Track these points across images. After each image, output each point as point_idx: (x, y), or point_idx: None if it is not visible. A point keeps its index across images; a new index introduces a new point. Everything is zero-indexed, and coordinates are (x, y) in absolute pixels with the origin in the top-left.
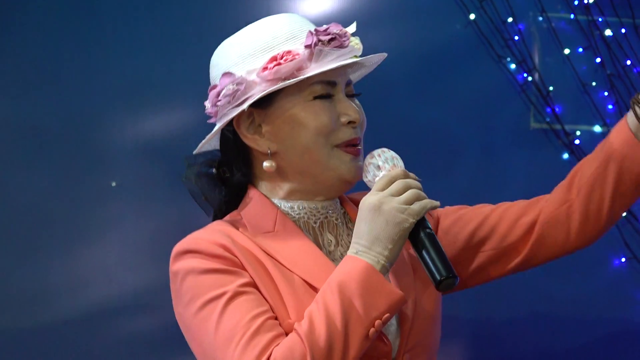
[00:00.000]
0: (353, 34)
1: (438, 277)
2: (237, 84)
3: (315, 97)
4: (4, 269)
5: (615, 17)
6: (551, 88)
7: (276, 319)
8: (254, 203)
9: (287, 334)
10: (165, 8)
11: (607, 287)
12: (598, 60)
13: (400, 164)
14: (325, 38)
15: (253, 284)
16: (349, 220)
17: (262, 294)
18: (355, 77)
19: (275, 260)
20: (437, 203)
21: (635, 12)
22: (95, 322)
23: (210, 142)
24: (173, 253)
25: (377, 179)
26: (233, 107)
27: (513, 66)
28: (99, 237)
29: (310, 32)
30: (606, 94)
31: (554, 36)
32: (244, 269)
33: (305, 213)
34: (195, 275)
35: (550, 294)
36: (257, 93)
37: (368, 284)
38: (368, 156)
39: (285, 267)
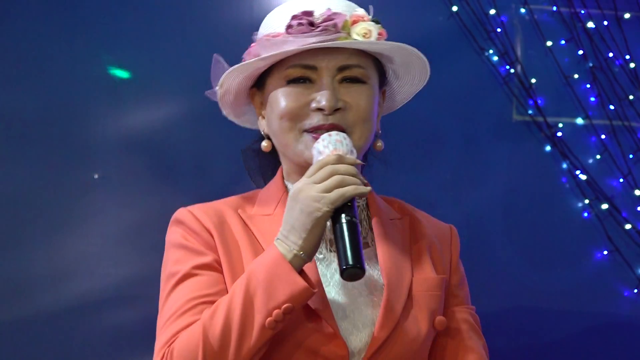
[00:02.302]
0: (373, 21)
1: (343, 265)
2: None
3: (289, 81)
4: None
5: (598, 9)
6: (533, 80)
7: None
8: (271, 183)
9: None
10: (149, 2)
11: (589, 280)
12: (580, 52)
13: (343, 147)
14: (302, 21)
15: (212, 266)
16: (365, 213)
17: (224, 276)
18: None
19: (259, 245)
20: (365, 189)
21: (618, 5)
22: (78, 314)
23: None
24: (172, 217)
25: None
26: (230, 69)
27: (495, 58)
28: (81, 229)
29: (292, 15)
30: (588, 86)
31: (537, 28)
32: (214, 249)
33: None
34: (170, 248)
35: (534, 287)
36: (243, 68)
37: (273, 273)
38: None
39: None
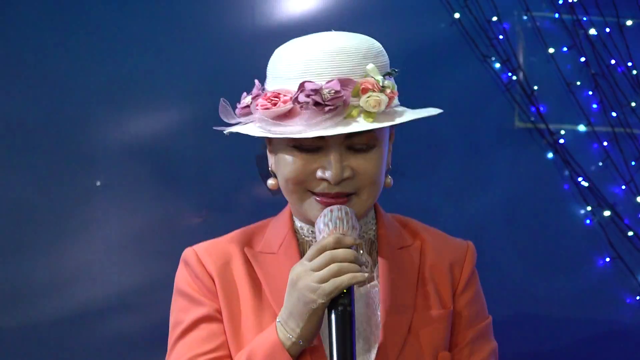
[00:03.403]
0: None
1: None
2: (252, 98)
3: (295, 146)
4: None
5: (600, 16)
6: (535, 87)
7: (223, 357)
8: (281, 216)
9: None
10: (151, 8)
11: (591, 286)
12: (582, 59)
13: (344, 226)
14: (309, 100)
15: (213, 317)
16: (373, 245)
17: (224, 325)
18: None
19: (261, 286)
20: (360, 278)
21: (620, 11)
22: (80, 321)
23: None
24: (181, 256)
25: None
26: (239, 119)
27: (497, 65)
28: (83, 237)
29: (301, 84)
30: (590, 93)
31: (539, 35)
32: (215, 296)
33: (313, 237)
34: (176, 293)
35: (536, 294)
36: (244, 125)
37: (271, 359)
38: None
39: (265, 295)
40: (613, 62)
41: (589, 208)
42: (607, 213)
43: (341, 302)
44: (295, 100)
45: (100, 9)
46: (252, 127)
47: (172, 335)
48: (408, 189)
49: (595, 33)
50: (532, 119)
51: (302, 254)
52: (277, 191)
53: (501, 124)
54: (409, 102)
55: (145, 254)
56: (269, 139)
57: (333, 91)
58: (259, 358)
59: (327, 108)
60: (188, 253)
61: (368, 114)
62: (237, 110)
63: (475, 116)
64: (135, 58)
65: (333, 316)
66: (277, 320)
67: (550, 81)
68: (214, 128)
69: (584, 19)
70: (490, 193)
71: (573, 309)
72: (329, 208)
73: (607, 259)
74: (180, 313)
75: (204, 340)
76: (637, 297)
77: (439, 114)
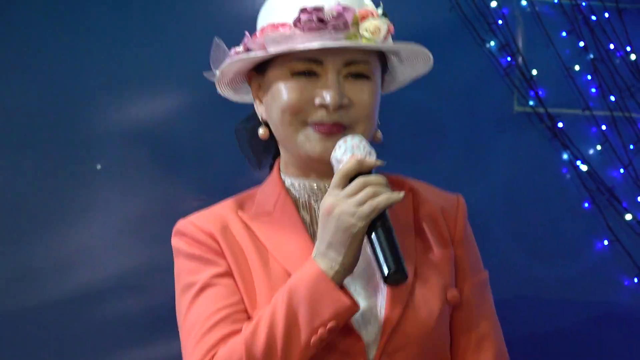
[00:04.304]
0: (381, 15)
1: (385, 271)
2: (247, 38)
3: (294, 74)
4: None
5: (599, 1)
6: (534, 72)
7: (244, 311)
8: (269, 179)
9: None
10: None
11: (590, 269)
12: (581, 44)
13: (361, 151)
14: (312, 17)
15: (227, 274)
16: None
17: (236, 283)
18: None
19: (263, 246)
20: (397, 197)
21: None
22: (80, 304)
23: None
24: (173, 229)
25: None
26: (235, 59)
27: (497, 50)
28: (83, 220)
29: (301, 8)
30: (589, 77)
31: (538, 20)
32: (223, 256)
33: (306, 192)
34: (180, 258)
35: (535, 277)
36: (242, 54)
37: (316, 290)
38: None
39: (271, 254)
40: (612, 47)
41: (587, 192)
42: (605, 197)
43: (379, 223)
44: (297, 21)
45: None
46: (246, 56)
47: (185, 298)
48: (407, 174)
49: (595, 18)
50: (531, 103)
51: (298, 210)
52: (267, 144)
53: (500, 108)
54: (408, 86)
55: (145, 237)
56: (258, 85)
57: (335, 12)
58: (302, 292)
59: (330, 24)
60: (182, 223)
61: (367, 40)
62: (230, 53)
63: (474, 100)
64: (135, 43)
65: (377, 232)
66: (314, 254)
67: (549, 66)
68: (204, 73)
69: (583, 4)
70: (490, 177)
71: (572, 291)
72: (342, 139)
73: (606, 242)
74: (190, 275)
75: (224, 295)
76: (635, 280)
77: (438, 97)
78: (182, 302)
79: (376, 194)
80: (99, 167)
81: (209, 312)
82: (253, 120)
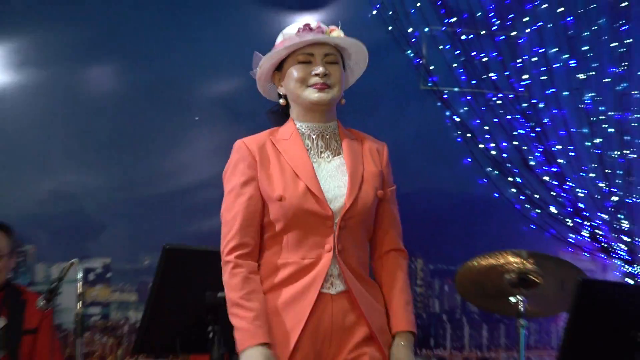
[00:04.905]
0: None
1: None
2: (274, 48)
3: (299, 62)
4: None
5: (474, 29)
6: (432, 67)
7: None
8: (287, 124)
9: (268, 201)
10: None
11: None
12: (457, 52)
13: None
14: (305, 28)
15: (254, 177)
16: (337, 137)
17: (259, 178)
18: (353, 51)
19: (282, 155)
20: None
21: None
22: (172, 198)
23: None
24: (233, 146)
25: None
26: (272, 53)
27: (412, 55)
28: (183, 148)
29: (299, 27)
30: (461, 70)
31: (433, 39)
32: (255, 166)
33: (308, 130)
34: (231, 166)
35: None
36: (274, 55)
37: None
38: None
39: (286, 160)
40: (474, 53)
41: (459, 132)
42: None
43: None
44: (298, 31)
45: None
46: (276, 52)
47: (230, 194)
48: (356, 127)
49: (464, 38)
50: (430, 84)
51: (303, 139)
52: (282, 113)
53: (413, 87)
54: (359, 81)
55: (217, 162)
56: (279, 78)
57: (317, 25)
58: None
59: (315, 30)
60: (238, 144)
61: (334, 37)
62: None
63: (398, 82)
64: (212, 42)
65: None
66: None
67: (441, 64)
68: (250, 73)
69: (458, 30)
70: (403, 131)
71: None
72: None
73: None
74: (232, 180)
75: (246, 203)
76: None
77: (372, 82)
78: (228, 194)
79: None
80: (197, 118)
81: (239, 216)
82: (274, 107)
